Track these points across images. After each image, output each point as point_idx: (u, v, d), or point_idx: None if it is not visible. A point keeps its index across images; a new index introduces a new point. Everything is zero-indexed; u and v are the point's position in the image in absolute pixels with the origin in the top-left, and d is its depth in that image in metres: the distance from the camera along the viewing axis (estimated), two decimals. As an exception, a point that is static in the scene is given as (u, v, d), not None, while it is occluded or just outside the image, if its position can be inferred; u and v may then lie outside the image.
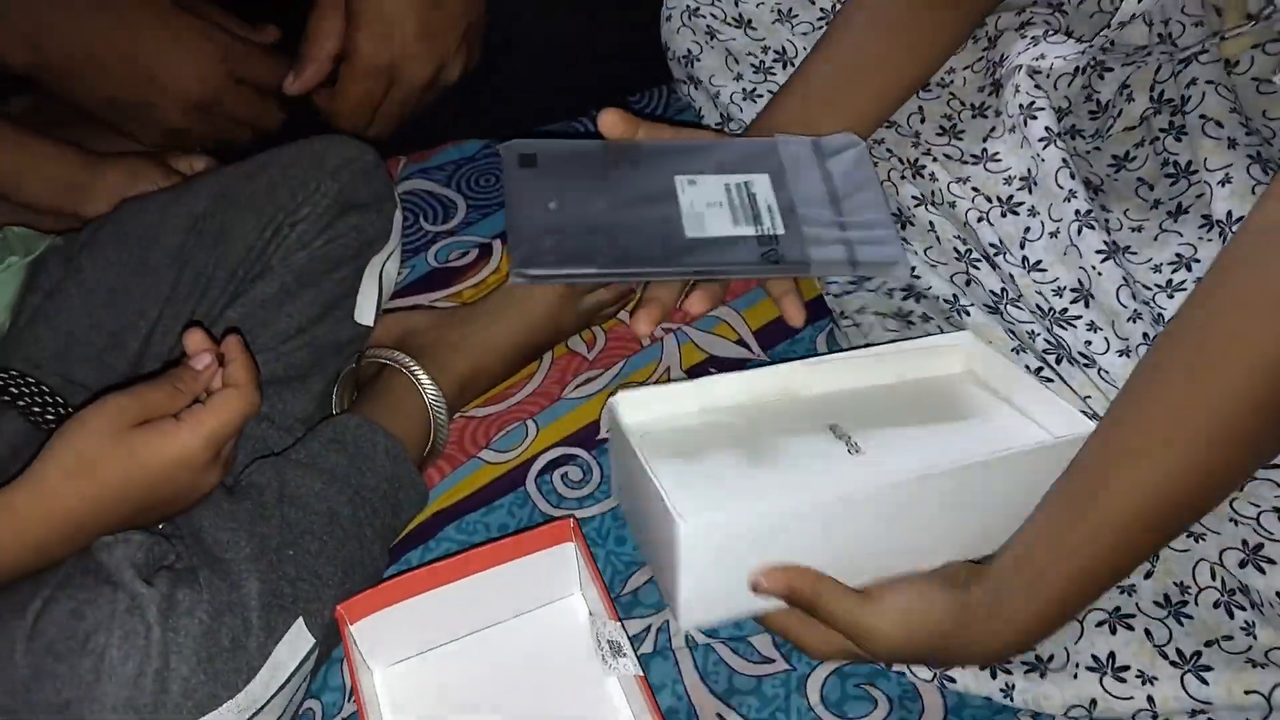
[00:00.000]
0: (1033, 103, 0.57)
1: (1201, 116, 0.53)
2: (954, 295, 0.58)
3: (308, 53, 0.65)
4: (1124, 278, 0.51)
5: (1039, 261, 0.56)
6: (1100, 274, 0.52)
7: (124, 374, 0.52)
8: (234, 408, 0.44)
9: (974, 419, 0.52)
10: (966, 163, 0.61)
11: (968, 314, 0.56)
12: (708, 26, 0.70)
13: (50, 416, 0.46)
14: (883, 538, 0.47)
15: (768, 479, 0.48)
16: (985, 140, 0.61)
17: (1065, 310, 0.54)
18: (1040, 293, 0.55)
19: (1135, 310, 0.50)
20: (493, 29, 0.74)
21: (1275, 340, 0.37)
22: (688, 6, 0.71)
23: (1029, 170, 0.58)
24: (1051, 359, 0.53)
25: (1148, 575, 0.47)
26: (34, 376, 0.47)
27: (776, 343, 0.68)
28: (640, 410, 0.52)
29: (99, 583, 0.40)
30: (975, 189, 0.59)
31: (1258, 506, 0.45)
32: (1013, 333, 0.55)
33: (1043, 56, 0.59)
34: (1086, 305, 0.53)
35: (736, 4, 0.71)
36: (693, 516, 0.43)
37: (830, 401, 0.54)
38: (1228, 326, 0.38)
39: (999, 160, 0.60)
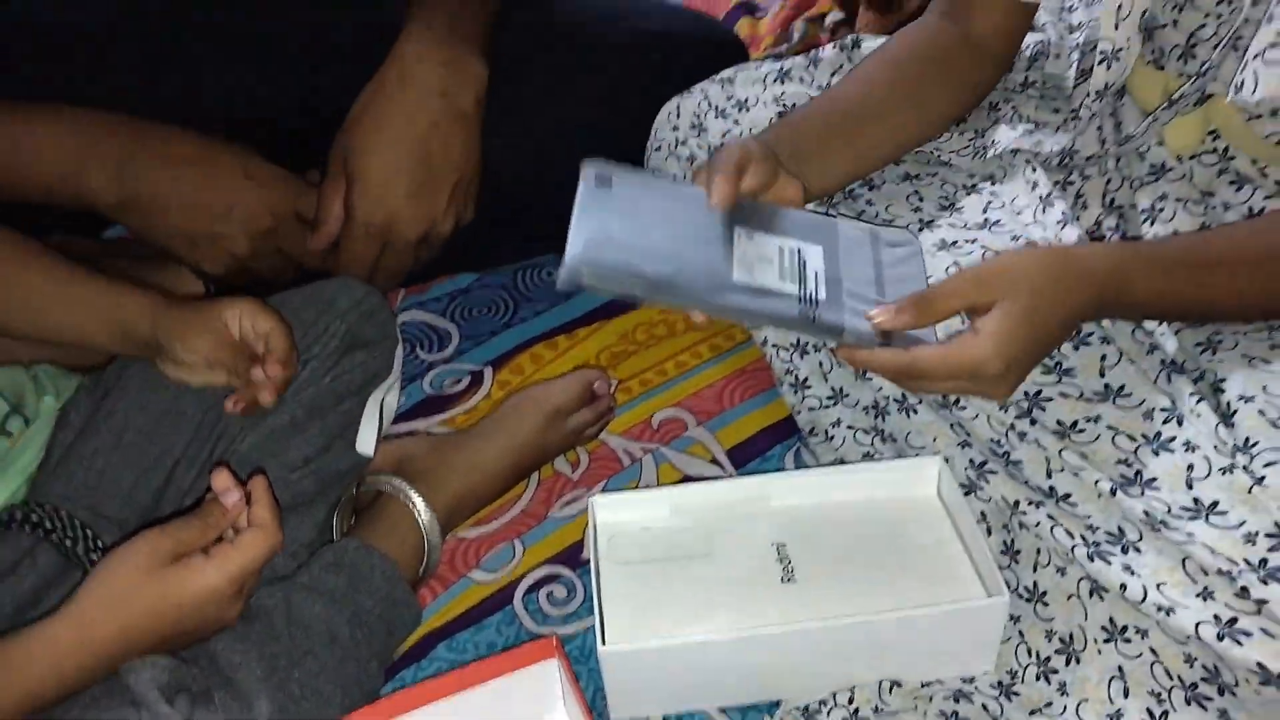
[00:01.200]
0: (1042, 188, 0.64)
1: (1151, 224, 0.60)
2: None
3: (319, 216, 0.71)
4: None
5: None
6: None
7: (147, 506, 0.57)
8: (259, 546, 0.48)
9: (921, 554, 0.57)
10: (970, 228, 0.66)
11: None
12: (691, 155, 0.76)
13: (81, 550, 0.50)
14: (799, 666, 0.52)
15: (699, 601, 0.55)
16: (985, 211, 0.66)
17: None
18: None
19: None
20: (485, 171, 0.81)
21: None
22: (675, 140, 0.78)
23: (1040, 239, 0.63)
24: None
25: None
26: (66, 511, 0.52)
27: (748, 460, 0.73)
28: (615, 512, 0.58)
29: (125, 704, 0.44)
30: (984, 247, 0.63)
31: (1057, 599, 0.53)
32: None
33: (1040, 143, 0.65)
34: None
35: (723, 136, 0.75)
36: (613, 643, 0.51)
37: (788, 517, 0.60)
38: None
39: (1002, 225, 0.64)
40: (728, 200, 0.55)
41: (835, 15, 1.12)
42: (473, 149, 0.72)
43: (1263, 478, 0.48)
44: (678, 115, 0.77)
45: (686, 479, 0.72)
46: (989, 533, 0.56)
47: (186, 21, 0.83)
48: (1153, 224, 0.61)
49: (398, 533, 0.63)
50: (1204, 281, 0.52)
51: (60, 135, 0.68)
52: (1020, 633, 0.55)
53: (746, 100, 0.74)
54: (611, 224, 0.54)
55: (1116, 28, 0.60)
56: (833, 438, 0.67)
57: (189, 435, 0.60)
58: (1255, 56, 0.51)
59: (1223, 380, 0.53)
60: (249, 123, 0.81)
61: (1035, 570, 0.54)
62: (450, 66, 0.71)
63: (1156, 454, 0.51)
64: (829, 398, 0.68)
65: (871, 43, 0.75)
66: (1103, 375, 0.55)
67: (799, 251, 0.56)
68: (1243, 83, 0.52)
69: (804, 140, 0.64)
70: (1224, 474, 0.49)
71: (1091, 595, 0.52)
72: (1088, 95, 0.62)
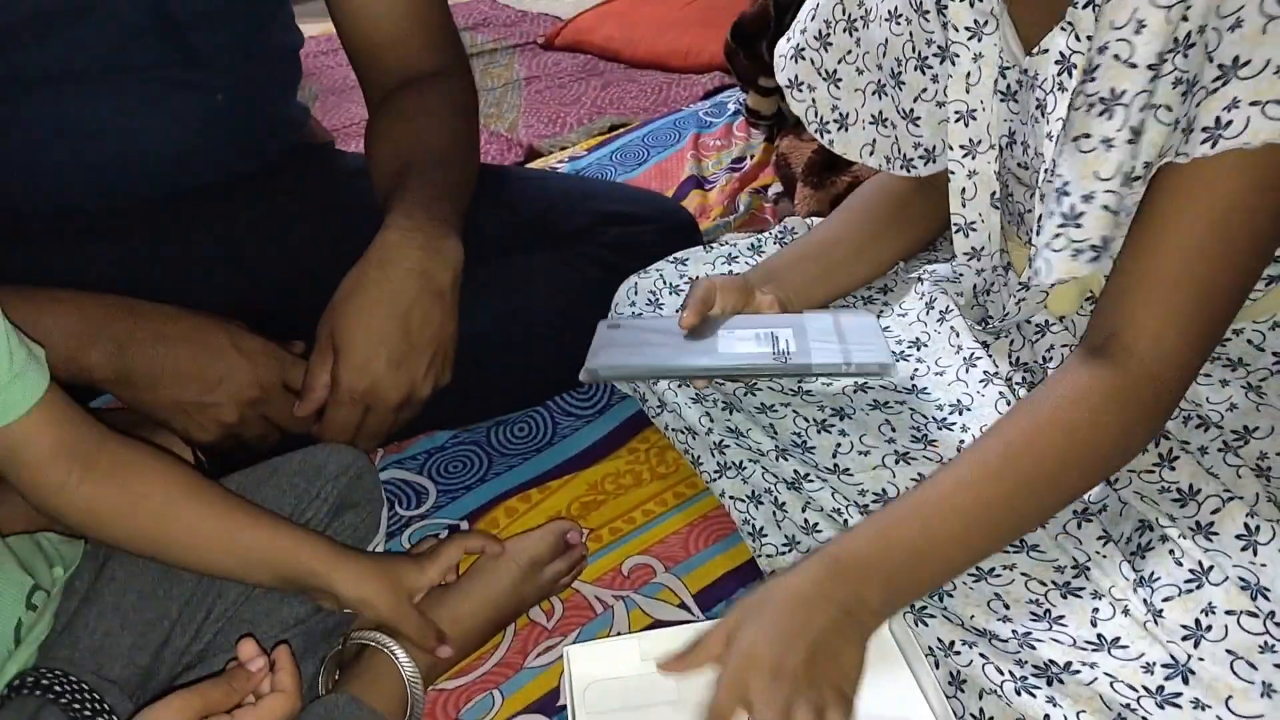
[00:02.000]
0: (964, 351, 0.72)
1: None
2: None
3: (307, 384, 0.76)
4: None
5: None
6: None
7: (146, 666, 0.60)
8: (281, 710, 0.52)
9: (872, 685, 0.60)
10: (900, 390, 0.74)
11: None
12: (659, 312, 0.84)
13: (89, 713, 0.53)
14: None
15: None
16: (913, 378, 0.74)
17: None
18: None
19: None
20: (461, 340, 0.87)
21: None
22: (632, 314, 0.86)
23: (958, 400, 0.71)
24: None
25: None
26: (74, 675, 0.55)
27: (714, 604, 0.78)
28: (589, 663, 0.62)
29: None
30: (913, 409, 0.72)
31: None
32: None
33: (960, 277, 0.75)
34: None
35: (677, 312, 0.84)
36: None
37: None
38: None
39: (928, 393, 0.73)
40: (691, 323, 0.71)
41: (776, 188, 1.25)
42: (449, 322, 0.79)
43: (1160, 611, 0.54)
44: (635, 292, 0.85)
45: (657, 623, 0.76)
46: (936, 665, 0.61)
47: (181, 208, 0.91)
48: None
49: (383, 686, 0.66)
50: (931, 526, 0.55)
51: (66, 320, 0.74)
52: None
53: (698, 277, 0.83)
54: (619, 340, 0.74)
55: (964, 205, 0.70)
56: None
57: (184, 598, 0.64)
58: (1045, 246, 0.58)
59: (1125, 519, 0.59)
60: (238, 297, 0.87)
61: (980, 698, 0.59)
62: (428, 249, 0.77)
63: (1064, 597, 0.57)
64: (784, 544, 0.73)
65: (801, 228, 0.86)
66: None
67: (771, 332, 0.71)
68: (1038, 269, 0.58)
69: (781, 267, 0.78)
70: (1125, 614, 0.55)
71: None
72: (962, 257, 0.72)
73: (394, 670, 0.67)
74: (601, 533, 0.84)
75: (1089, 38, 0.56)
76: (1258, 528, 0.56)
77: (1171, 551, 0.57)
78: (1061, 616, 0.56)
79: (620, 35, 1.92)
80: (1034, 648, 0.56)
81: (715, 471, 0.78)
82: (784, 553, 0.73)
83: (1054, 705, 0.53)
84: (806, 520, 0.69)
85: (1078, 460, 0.55)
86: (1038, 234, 0.59)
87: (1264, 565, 0.54)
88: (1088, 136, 0.55)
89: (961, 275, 0.75)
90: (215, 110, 0.89)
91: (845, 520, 0.67)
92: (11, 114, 0.83)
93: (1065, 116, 0.57)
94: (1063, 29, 0.58)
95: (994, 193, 0.69)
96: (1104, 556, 0.57)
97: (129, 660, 0.59)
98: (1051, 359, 0.69)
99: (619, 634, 0.76)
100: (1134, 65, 0.53)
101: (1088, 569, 0.58)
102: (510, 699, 0.71)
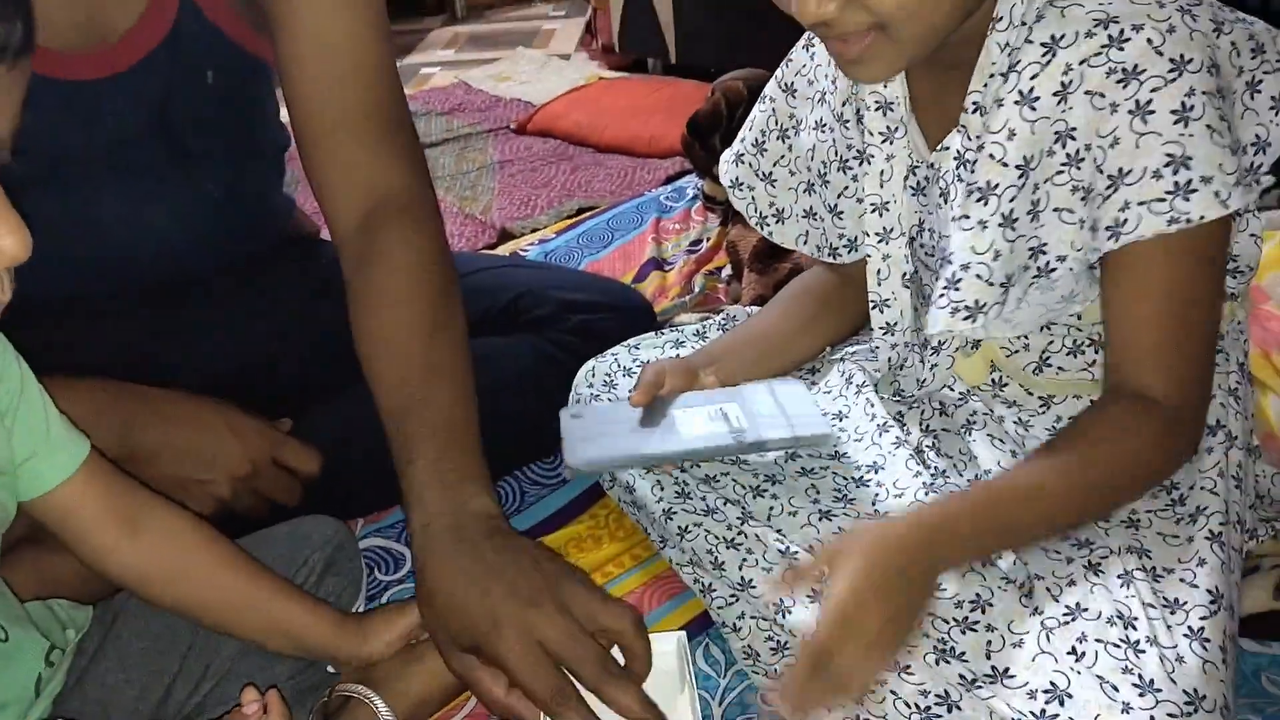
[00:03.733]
0: (878, 419, 0.82)
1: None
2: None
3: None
4: None
5: None
6: None
7: (150, 716, 0.67)
8: None
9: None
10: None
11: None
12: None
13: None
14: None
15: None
16: (835, 446, 0.84)
17: None
18: None
19: None
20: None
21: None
22: (590, 395, 0.94)
23: (874, 462, 0.81)
24: None
25: None
26: (86, 723, 0.62)
27: None
28: None
29: None
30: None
31: None
32: None
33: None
34: None
35: (630, 392, 0.90)
36: None
37: None
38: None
39: (849, 457, 0.83)
40: (640, 402, 0.81)
41: (729, 270, 1.35)
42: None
43: (1046, 635, 0.63)
44: (593, 374, 0.95)
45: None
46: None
47: (178, 294, 0.98)
48: (971, 440, 0.79)
49: (365, 734, 0.73)
50: (1003, 521, 0.64)
51: (79, 402, 0.80)
52: None
53: (649, 360, 0.93)
54: (587, 431, 0.82)
55: (879, 284, 0.80)
56: (739, 629, 0.79)
57: (183, 654, 0.71)
58: (934, 305, 0.70)
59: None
60: (231, 376, 0.95)
61: None
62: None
63: (964, 633, 0.66)
64: (730, 595, 0.81)
65: (742, 316, 0.96)
66: None
67: (720, 409, 0.81)
68: (926, 323, 0.72)
69: (722, 352, 0.87)
70: (1016, 648, 0.64)
71: None
72: (878, 331, 0.82)
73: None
74: (564, 593, 0.92)
75: (977, 137, 0.68)
76: (1130, 574, 0.65)
77: (1050, 591, 0.66)
78: (963, 653, 0.64)
79: (588, 121, 2.05)
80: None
81: (661, 541, 0.86)
82: (732, 602, 0.80)
83: None
84: (743, 578, 0.77)
85: (1138, 478, 0.67)
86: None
87: (1131, 599, 0.64)
88: (967, 217, 0.68)
89: (878, 350, 0.85)
90: (209, 205, 0.97)
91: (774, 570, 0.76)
92: (19, 209, 0.91)
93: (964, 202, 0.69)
94: (959, 130, 0.70)
95: (905, 274, 0.79)
96: (1003, 591, 0.67)
97: (134, 710, 0.66)
98: (975, 423, 0.79)
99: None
100: (1005, 164, 0.66)
101: (989, 605, 0.67)
102: (479, 747, 0.78)
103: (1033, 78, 0.64)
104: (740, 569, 0.78)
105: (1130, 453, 0.65)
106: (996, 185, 0.66)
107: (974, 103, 0.68)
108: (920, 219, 0.77)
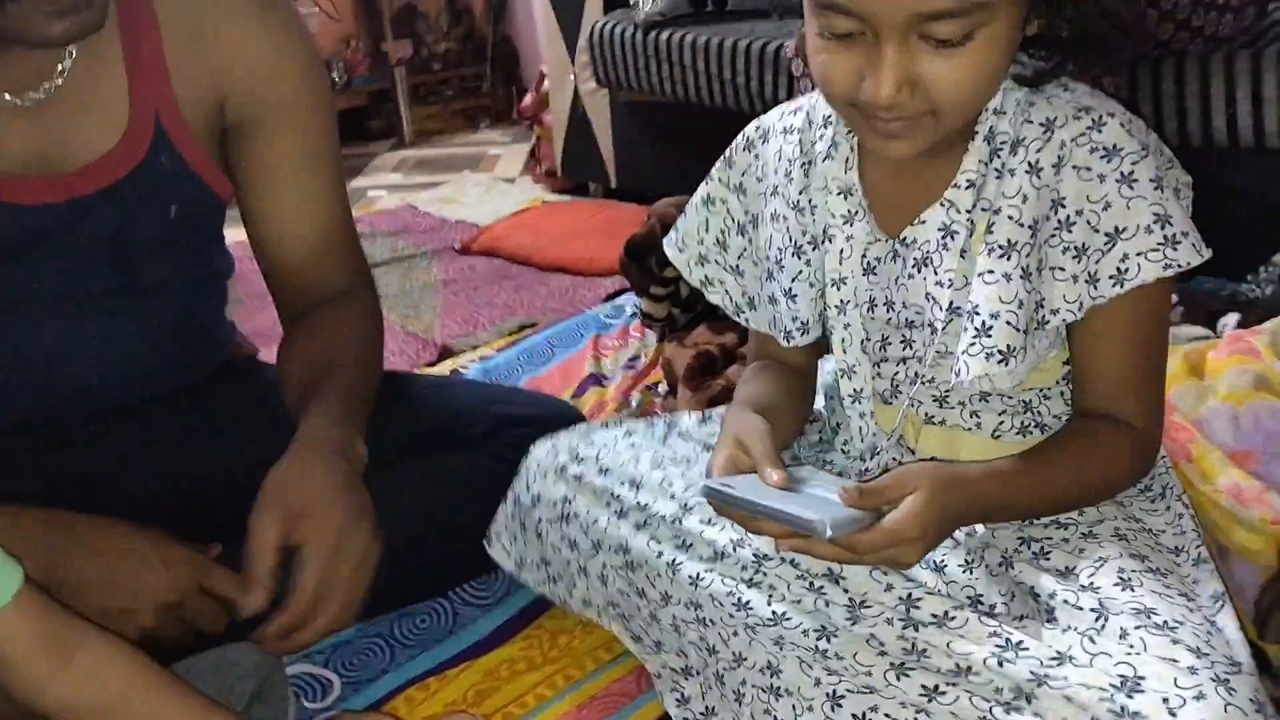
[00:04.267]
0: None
1: None
2: None
3: (252, 576, 0.81)
4: None
5: None
6: None
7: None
8: None
9: None
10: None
11: None
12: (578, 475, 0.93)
13: None
14: None
15: None
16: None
17: None
18: None
19: None
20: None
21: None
22: (558, 465, 0.94)
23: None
24: None
25: None
26: None
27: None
28: None
29: None
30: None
31: None
32: None
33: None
34: None
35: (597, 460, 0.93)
36: None
37: None
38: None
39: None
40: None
41: (664, 387, 1.39)
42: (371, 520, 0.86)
43: (1092, 635, 0.68)
44: (554, 452, 0.96)
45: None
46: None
47: (120, 419, 0.98)
48: None
49: None
50: (1029, 491, 0.76)
51: (2, 532, 0.80)
52: None
53: (605, 445, 0.95)
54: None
55: (844, 352, 0.85)
56: (743, 695, 0.78)
57: None
58: (963, 353, 0.76)
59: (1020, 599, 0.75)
60: (168, 499, 0.94)
61: None
62: (339, 453, 0.86)
63: (1015, 628, 0.70)
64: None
65: (685, 419, 1.00)
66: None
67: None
68: (958, 371, 0.77)
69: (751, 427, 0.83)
70: (1064, 632, 0.69)
71: None
72: (844, 399, 0.86)
73: None
74: (495, 718, 0.90)
75: (968, 210, 0.77)
76: (1129, 578, 0.72)
77: (1069, 603, 0.72)
78: (1021, 642, 0.70)
79: (530, 242, 2.11)
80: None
81: (662, 599, 0.86)
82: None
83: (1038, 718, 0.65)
84: (774, 612, 0.78)
85: (1112, 484, 0.79)
86: (943, 350, 0.80)
87: (1144, 595, 0.70)
88: (991, 273, 0.75)
89: (843, 425, 0.90)
90: (156, 334, 0.98)
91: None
92: None
93: (955, 267, 0.77)
94: (943, 204, 0.78)
95: (862, 340, 0.85)
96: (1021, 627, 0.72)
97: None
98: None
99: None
100: (1021, 224, 0.74)
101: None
102: None
103: (1038, 151, 0.74)
104: (769, 603, 0.78)
105: (1103, 461, 0.77)
106: (1016, 243, 0.75)
107: (968, 180, 0.76)
108: (871, 295, 0.84)
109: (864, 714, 0.70)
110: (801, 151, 0.85)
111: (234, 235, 1.05)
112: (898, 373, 0.85)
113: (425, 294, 1.98)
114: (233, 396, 1.05)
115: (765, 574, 0.80)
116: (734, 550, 0.82)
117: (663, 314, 1.55)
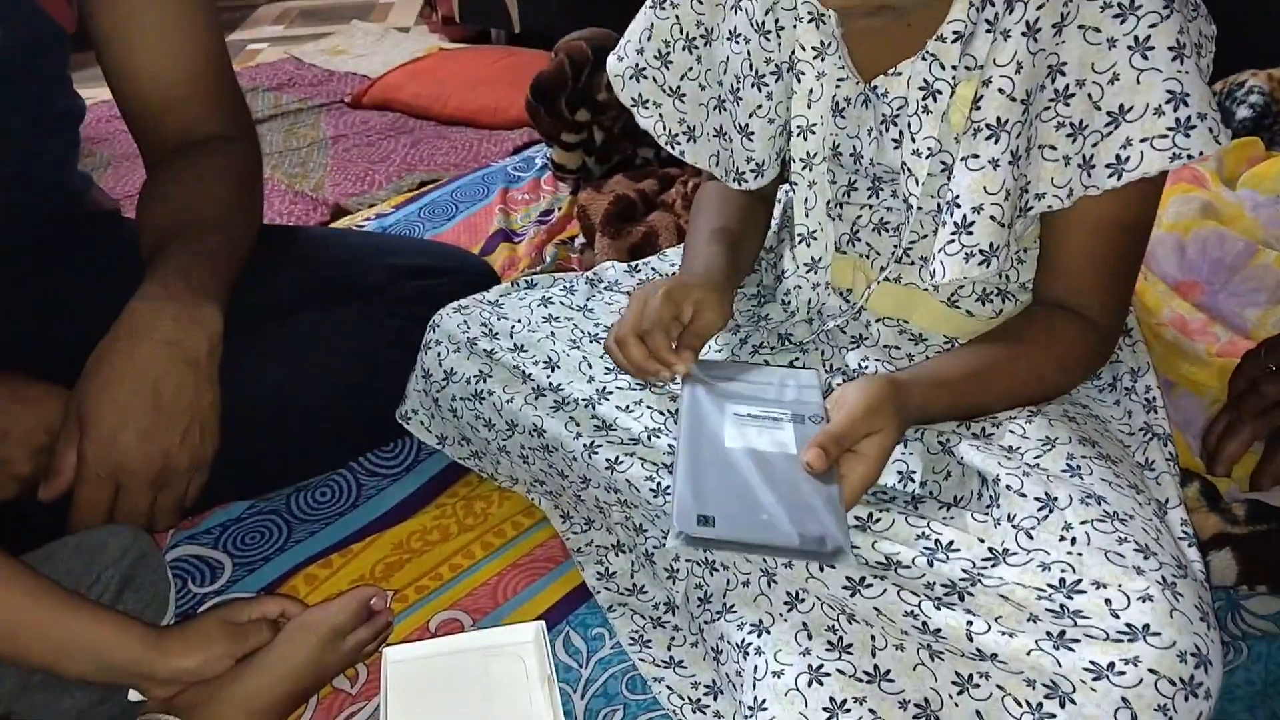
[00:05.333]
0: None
1: None
2: None
3: (54, 464, 0.73)
4: None
5: None
6: None
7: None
8: None
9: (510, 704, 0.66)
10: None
11: None
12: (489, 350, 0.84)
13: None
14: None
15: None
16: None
17: None
18: None
19: None
20: (258, 405, 0.85)
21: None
22: (467, 339, 0.85)
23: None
24: None
25: None
26: None
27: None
28: (404, 651, 0.69)
29: None
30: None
31: None
32: None
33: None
34: None
35: (511, 335, 0.84)
36: None
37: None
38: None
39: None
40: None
41: (580, 239, 1.28)
42: (206, 391, 0.77)
43: (1033, 538, 0.60)
44: (466, 327, 0.86)
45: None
46: (810, 636, 0.63)
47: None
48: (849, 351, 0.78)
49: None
50: (970, 390, 0.70)
51: None
52: (872, 710, 0.59)
53: (519, 320, 0.86)
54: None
55: (806, 215, 0.76)
56: (677, 570, 0.74)
57: None
58: (940, 251, 0.68)
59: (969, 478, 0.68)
60: (21, 361, 0.82)
61: (874, 655, 0.61)
62: (181, 319, 0.76)
63: (945, 524, 0.63)
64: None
65: (610, 270, 0.90)
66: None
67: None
68: (934, 271, 0.69)
69: (704, 270, 0.79)
70: (997, 525, 0.62)
71: (933, 659, 0.60)
72: (797, 269, 0.78)
73: (183, 753, 0.64)
74: (407, 592, 0.83)
75: (953, 67, 0.66)
76: (1078, 465, 0.64)
77: (1012, 489, 0.63)
78: (952, 543, 0.62)
79: (428, 92, 1.93)
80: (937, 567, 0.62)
81: (582, 481, 0.80)
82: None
83: (973, 615, 0.58)
84: None
85: (1068, 380, 0.73)
86: (914, 241, 0.72)
87: (1093, 483, 0.62)
88: (976, 157, 0.65)
89: (794, 292, 0.82)
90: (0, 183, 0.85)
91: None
92: None
93: (934, 134, 0.67)
94: (924, 58, 0.67)
95: (829, 201, 0.76)
96: (958, 513, 0.65)
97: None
98: (867, 368, 0.76)
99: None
100: (1014, 99, 0.64)
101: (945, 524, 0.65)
102: (313, 771, 0.69)
103: (1039, 8, 0.63)
104: None
105: (1062, 355, 0.71)
106: (1006, 121, 0.64)
107: (954, 31, 0.65)
108: (835, 142, 0.74)
109: (797, 593, 0.65)
110: None
111: (102, 94, 0.93)
112: (860, 216, 0.76)
113: (313, 151, 1.81)
114: (92, 251, 0.93)
115: None
116: (650, 440, 0.76)
117: (575, 164, 1.43)
